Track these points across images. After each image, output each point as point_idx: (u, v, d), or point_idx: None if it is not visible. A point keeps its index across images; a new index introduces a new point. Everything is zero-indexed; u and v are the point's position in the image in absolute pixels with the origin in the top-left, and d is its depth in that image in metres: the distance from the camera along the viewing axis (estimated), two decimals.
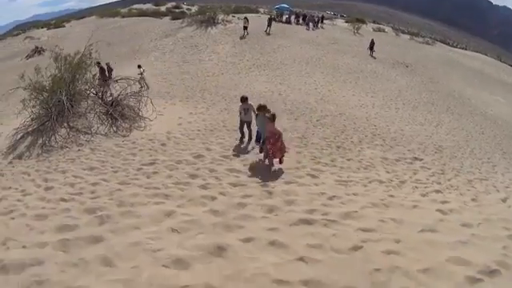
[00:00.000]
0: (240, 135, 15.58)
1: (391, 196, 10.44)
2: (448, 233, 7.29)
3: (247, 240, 6.58)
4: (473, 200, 11.49)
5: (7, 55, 51.23)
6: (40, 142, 16.33)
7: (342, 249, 6.10)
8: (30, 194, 10.38)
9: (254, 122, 14.73)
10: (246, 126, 15.29)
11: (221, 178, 10.99)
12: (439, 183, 13.35)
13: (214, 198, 9.18)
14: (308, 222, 7.49)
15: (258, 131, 14.63)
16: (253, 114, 14.63)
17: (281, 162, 12.32)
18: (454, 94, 36.87)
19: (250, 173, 11.77)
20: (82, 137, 16.69)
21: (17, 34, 70.47)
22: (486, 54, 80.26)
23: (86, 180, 11.25)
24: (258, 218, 7.92)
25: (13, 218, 8.32)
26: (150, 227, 7.29)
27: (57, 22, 75.34)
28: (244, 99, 14.88)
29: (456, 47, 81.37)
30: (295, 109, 23.39)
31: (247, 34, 44.98)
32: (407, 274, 5.22)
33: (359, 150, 16.40)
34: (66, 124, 17.42)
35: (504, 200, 12.09)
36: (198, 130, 17.67)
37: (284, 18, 62.83)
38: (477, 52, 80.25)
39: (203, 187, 10.11)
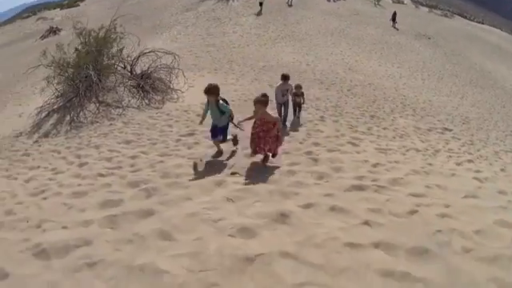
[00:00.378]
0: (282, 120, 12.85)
1: (429, 164, 10.48)
2: (488, 199, 7.39)
3: (307, 206, 6.31)
4: (502, 170, 11.66)
5: (19, 37, 50.59)
6: (68, 118, 15.84)
7: (400, 213, 6.03)
8: (62, 172, 9.81)
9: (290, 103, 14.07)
10: (283, 107, 13.68)
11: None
12: (470, 153, 13.56)
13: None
14: (360, 188, 7.32)
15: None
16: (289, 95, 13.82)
17: (273, 155, 9.24)
18: (475, 67, 36.92)
19: (291, 140, 11.74)
20: (112, 111, 16.29)
21: (27, 17, 68.59)
22: (501, 29, 79.39)
23: (123, 153, 10.79)
24: (311, 184, 7.67)
25: (45, 198, 7.64)
26: (203, 197, 6.89)
27: (70, 1, 72.80)
28: (285, 77, 13.47)
29: (473, 21, 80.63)
30: (325, 79, 23.40)
31: (262, 12, 42.89)
32: (464, 235, 5.29)
33: (392, 120, 16.58)
34: (94, 99, 17.04)
35: None
36: (232, 101, 16.38)
37: None
38: (493, 26, 79.37)
39: (247, 155, 9.55)
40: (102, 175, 8.86)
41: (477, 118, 20.98)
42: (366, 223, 5.60)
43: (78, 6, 64.44)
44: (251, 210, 6.20)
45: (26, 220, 6.51)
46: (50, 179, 9.24)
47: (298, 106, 14.43)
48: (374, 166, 9.31)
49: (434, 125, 17.33)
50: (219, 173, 8.52)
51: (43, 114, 16.94)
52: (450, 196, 7.32)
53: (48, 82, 17.51)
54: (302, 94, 14.29)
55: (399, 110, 18.97)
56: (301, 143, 11.32)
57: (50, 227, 5.99)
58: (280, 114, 13.36)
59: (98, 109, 16.30)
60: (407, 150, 12.15)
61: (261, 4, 43.50)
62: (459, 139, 15.61)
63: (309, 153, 10.11)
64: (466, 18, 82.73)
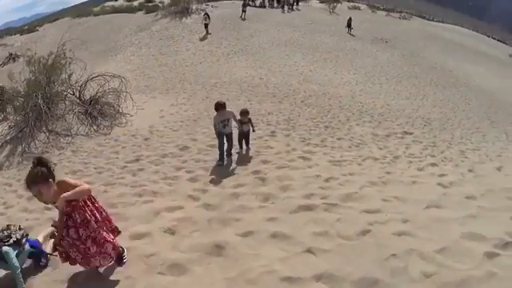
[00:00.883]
0: (219, 154, 11.02)
1: (388, 173, 10.10)
2: (454, 207, 7.00)
3: (247, 234, 6.18)
4: (469, 171, 11.17)
5: None
6: (19, 149, 15.64)
7: (350, 235, 5.75)
8: (12, 206, 9.83)
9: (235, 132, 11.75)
10: (225, 139, 11.21)
11: (209, 168, 10.47)
12: (433, 156, 13.16)
13: (205, 191, 8.67)
14: (308, 208, 7.06)
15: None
16: (234, 122, 11.37)
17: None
18: (436, 67, 37.00)
19: (238, 160, 11.26)
20: (62, 140, 16.04)
21: None
22: (462, 26, 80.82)
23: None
24: (255, 208, 7.48)
25: None
26: (141, 229, 6.77)
27: (30, 26, 73.49)
28: (220, 106, 10.85)
29: (433, 21, 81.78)
30: (278, 91, 23.05)
31: (209, 33, 40.61)
32: (424, 256, 4.88)
33: (348, 128, 16.08)
34: (44, 128, 16.75)
35: (499, 169, 11.78)
36: (181, 121, 17.08)
37: (258, 2, 62.10)
38: (454, 25, 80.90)
39: (193, 180, 9.62)
40: (48, 208, 8.53)
41: (439, 119, 20.63)
42: (310, 251, 5.39)
43: (37, 30, 63.96)
44: (187, 241, 6.14)
45: None
46: (1, 214, 9.41)
47: (245, 137, 11.84)
48: (327, 180, 9.09)
49: (393, 129, 16.90)
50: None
51: None
52: (410, 208, 6.99)
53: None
54: (250, 120, 11.72)
55: (356, 117, 18.49)
56: (248, 162, 10.91)
57: None
58: (221, 148, 10.92)
59: (48, 138, 16.13)
60: (363, 160, 11.70)
61: (206, 26, 41.92)
62: (421, 142, 15.18)
63: (256, 172, 9.83)
64: (424, 18, 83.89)
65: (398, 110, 21.26)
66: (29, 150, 15.47)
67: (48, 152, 14.89)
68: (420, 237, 5.56)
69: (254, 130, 12.03)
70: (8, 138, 16.87)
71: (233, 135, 11.30)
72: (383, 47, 41.87)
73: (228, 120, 10.98)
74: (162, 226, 6.82)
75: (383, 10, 79.18)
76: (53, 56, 18.92)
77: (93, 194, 8.49)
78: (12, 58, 45.15)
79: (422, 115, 20.76)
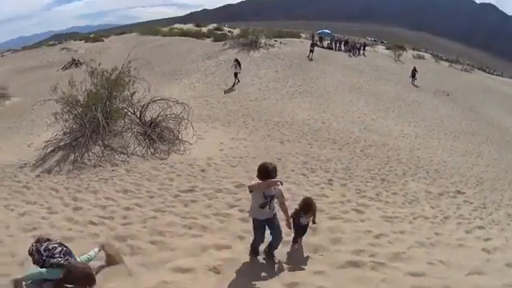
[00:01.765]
0: (251, 249, 7.45)
1: (437, 234, 10.20)
2: (495, 275, 7.10)
3: (292, 285, 6.09)
4: None
5: (44, 64, 50.98)
6: (72, 157, 16.23)
7: None
8: (56, 213, 10.14)
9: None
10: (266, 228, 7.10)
11: None
12: (481, 218, 13.14)
13: None
14: (356, 265, 6.96)
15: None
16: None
17: None
18: (493, 123, 36.77)
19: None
20: (116, 156, 16.56)
21: (53, 44, 69.83)
22: None
23: (118, 203, 11.06)
24: (303, 258, 7.42)
25: (34, 237, 7.03)
26: (186, 263, 6.74)
27: (95, 35, 74.56)
28: (266, 172, 6.52)
29: (493, 74, 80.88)
30: (339, 138, 23.28)
31: (238, 81, 36.03)
32: None
33: (404, 184, 16.28)
34: (100, 142, 17.27)
35: None
36: (240, 158, 17.07)
37: (325, 43, 62.58)
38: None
39: (244, 220, 9.07)
40: (93, 223, 9.06)
41: (491, 179, 20.59)
42: None
43: (103, 41, 64.95)
44: (231, 284, 6.07)
45: (12, 255, 6.80)
46: (43, 218, 9.57)
47: (302, 231, 8.03)
48: (377, 237, 9.12)
49: (447, 188, 17.03)
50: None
51: (49, 149, 17.37)
52: (453, 273, 7.08)
53: (56, 117, 17.89)
54: (314, 212, 7.97)
55: (412, 172, 18.71)
56: None
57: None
58: (256, 240, 7.24)
59: (102, 152, 16.64)
60: (415, 218, 11.89)
61: (236, 75, 37.43)
62: (471, 203, 15.20)
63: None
64: (485, 71, 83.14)
65: (453, 167, 21.37)
66: (81, 159, 16.14)
67: (101, 166, 15.53)
68: None
69: (314, 222, 8.16)
70: (62, 143, 17.50)
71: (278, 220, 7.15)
72: (444, 100, 41.60)
73: (272, 197, 6.80)
74: (207, 263, 6.73)
75: (446, 60, 78.95)
76: (117, 72, 19.44)
77: (141, 217, 9.42)
78: (75, 63, 45.79)
79: (475, 174, 20.74)
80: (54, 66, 48.14)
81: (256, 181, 6.53)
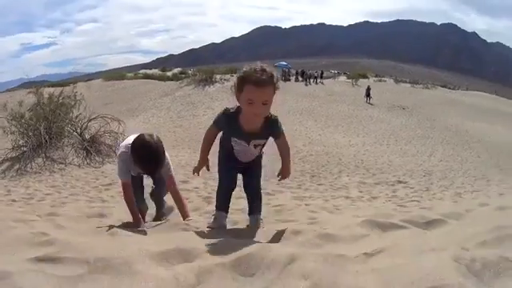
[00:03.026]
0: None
1: (352, 205, 9.51)
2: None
3: None
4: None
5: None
6: (16, 167, 17.26)
7: None
8: None
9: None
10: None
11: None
12: (421, 197, 11.83)
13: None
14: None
15: None
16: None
17: None
18: (451, 128, 36.94)
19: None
20: (56, 166, 17.50)
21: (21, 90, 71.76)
22: (485, 91, 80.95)
23: (42, 192, 11.62)
24: None
25: None
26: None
27: (64, 82, 74.17)
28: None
29: (458, 90, 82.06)
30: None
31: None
32: None
33: (335, 178, 15.64)
34: (43, 154, 18.30)
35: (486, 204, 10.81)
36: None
37: (280, 75, 63.38)
38: (477, 91, 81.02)
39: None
40: (14, 201, 9.78)
41: (442, 170, 19.94)
42: None
43: (69, 86, 65.91)
44: None
45: None
46: None
47: None
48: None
49: (387, 179, 16.15)
50: None
51: None
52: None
53: (4, 131, 19.19)
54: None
55: (349, 171, 18.07)
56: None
57: None
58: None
59: (44, 162, 17.73)
60: (334, 198, 10.96)
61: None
62: (412, 188, 14.09)
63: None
64: (449, 88, 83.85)
65: (399, 165, 20.75)
66: (24, 168, 17.11)
67: (40, 173, 16.42)
68: None
69: None
70: (9, 156, 18.43)
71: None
72: (400, 113, 42.19)
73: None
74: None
75: (408, 82, 79.50)
76: (63, 95, 21.71)
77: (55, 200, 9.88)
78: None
79: (424, 168, 20.15)
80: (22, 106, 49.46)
81: None
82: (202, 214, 7.89)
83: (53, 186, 13.00)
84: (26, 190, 12.20)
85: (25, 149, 18.81)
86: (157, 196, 6.30)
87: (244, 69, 3.87)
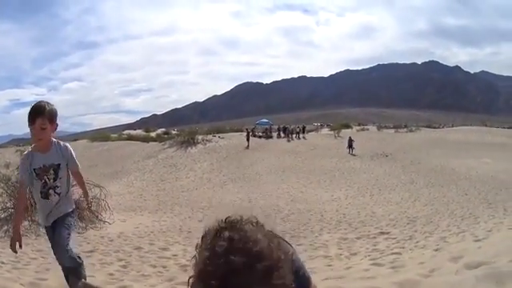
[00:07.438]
0: None
1: (328, 266, 9.51)
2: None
3: None
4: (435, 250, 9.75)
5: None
6: (5, 228, 16.87)
7: None
8: None
9: None
10: None
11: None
12: (402, 247, 11.71)
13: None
14: None
15: None
16: None
17: None
18: (436, 169, 36.97)
19: None
20: (41, 229, 16.44)
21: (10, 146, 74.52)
22: (471, 125, 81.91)
23: (28, 255, 11.53)
24: None
25: None
26: None
27: None
28: None
29: (443, 128, 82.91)
30: (261, 212, 22.51)
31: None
32: None
33: (316, 236, 15.37)
34: (29, 218, 17.75)
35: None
36: (151, 232, 17.65)
37: (261, 132, 65.67)
38: (463, 125, 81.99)
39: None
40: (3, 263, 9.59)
41: (427, 215, 19.58)
42: None
43: None
44: None
45: None
46: None
47: None
48: None
49: (369, 232, 15.78)
50: None
51: None
52: None
53: None
54: None
55: (331, 227, 17.73)
56: None
57: None
58: None
59: (30, 226, 17.30)
60: (311, 258, 10.85)
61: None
62: (394, 238, 13.84)
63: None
64: (434, 127, 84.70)
65: (382, 215, 20.48)
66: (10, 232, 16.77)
67: (27, 236, 15.82)
68: None
69: None
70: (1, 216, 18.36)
71: None
72: (382, 161, 42.41)
73: None
74: None
75: (392, 127, 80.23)
76: None
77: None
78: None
79: (408, 215, 19.85)
80: (10, 167, 50.56)
81: None
82: (175, 285, 7.80)
83: (38, 250, 12.88)
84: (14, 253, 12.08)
85: (12, 211, 18.34)
86: (60, 248, 5.89)
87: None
